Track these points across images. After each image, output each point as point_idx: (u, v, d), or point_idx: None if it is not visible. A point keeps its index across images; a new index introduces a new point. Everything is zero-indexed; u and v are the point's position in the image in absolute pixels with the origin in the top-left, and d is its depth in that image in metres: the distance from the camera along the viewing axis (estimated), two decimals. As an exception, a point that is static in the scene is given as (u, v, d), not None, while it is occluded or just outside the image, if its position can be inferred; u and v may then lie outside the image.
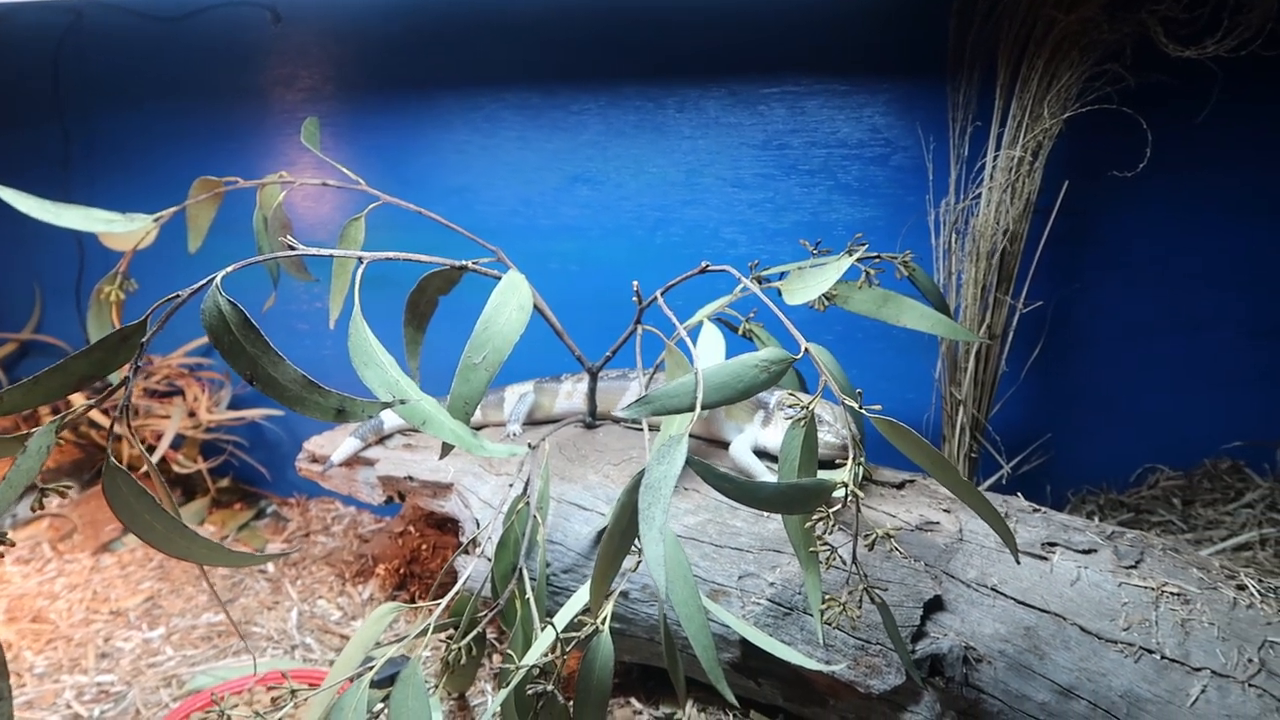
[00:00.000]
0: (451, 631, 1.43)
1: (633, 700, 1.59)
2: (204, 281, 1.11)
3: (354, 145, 2.26)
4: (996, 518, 1.22)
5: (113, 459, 1.04)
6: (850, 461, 1.29)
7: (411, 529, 2.14)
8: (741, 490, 1.18)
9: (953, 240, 1.77)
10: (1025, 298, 1.78)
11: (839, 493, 1.22)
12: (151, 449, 2.26)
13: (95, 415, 2.34)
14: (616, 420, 1.79)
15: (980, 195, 1.73)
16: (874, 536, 1.24)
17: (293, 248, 1.27)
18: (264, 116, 2.32)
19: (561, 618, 1.30)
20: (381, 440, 1.89)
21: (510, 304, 1.41)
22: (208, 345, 2.49)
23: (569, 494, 1.59)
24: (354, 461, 1.88)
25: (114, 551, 2.23)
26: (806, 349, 1.33)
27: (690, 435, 1.71)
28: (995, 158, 1.72)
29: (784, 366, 1.28)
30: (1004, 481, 1.82)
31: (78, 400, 2.35)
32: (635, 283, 1.54)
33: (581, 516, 1.56)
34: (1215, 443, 1.96)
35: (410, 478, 1.75)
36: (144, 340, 1.10)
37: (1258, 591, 1.27)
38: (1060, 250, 1.88)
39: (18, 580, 2.08)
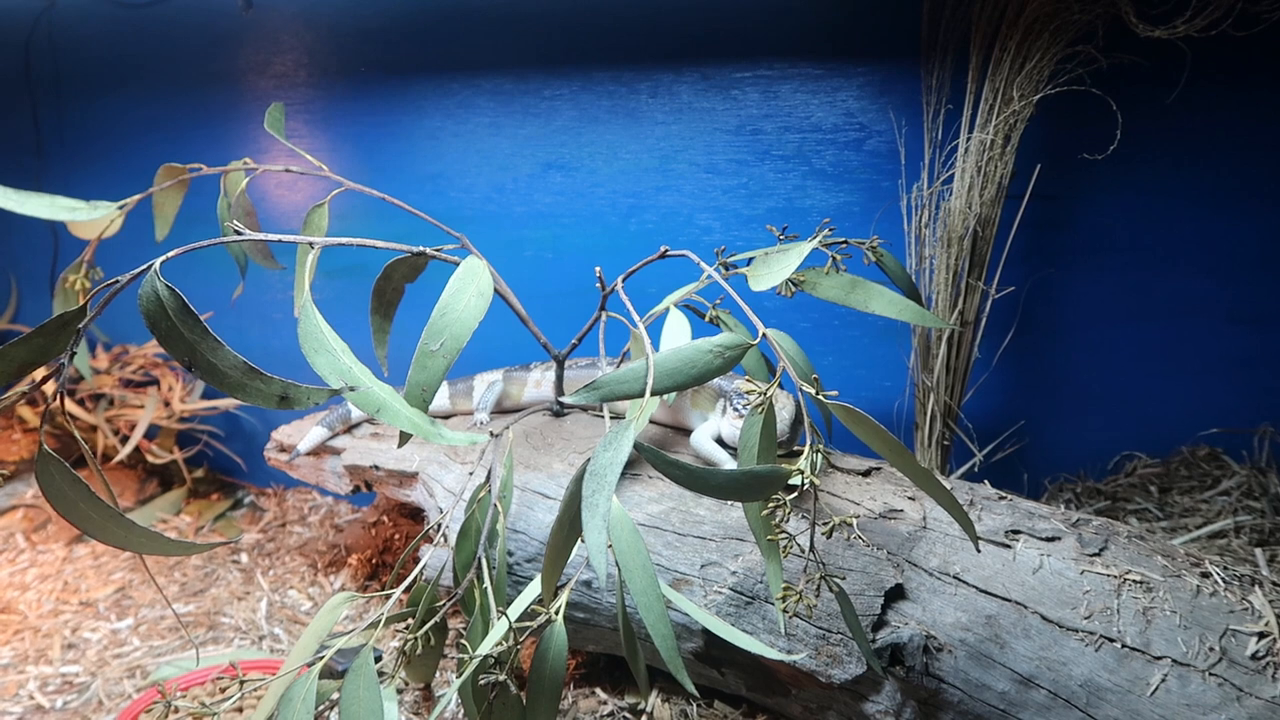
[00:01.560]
0: (410, 621, 1.41)
1: (598, 690, 1.57)
2: (144, 267, 1.09)
3: (327, 132, 2.24)
4: (955, 505, 1.20)
5: (45, 447, 1.02)
6: (808, 448, 1.27)
7: (385, 519, 2.13)
8: (693, 477, 1.16)
9: (924, 225, 1.75)
10: (998, 284, 1.76)
11: (796, 480, 1.20)
12: (125, 438, 2.25)
13: (72, 407, 2.33)
14: (584, 409, 1.77)
15: (952, 180, 1.71)
16: (832, 524, 1.22)
17: (240, 233, 1.25)
18: (238, 103, 2.30)
19: (517, 607, 1.29)
20: (350, 429, 1.87)
21: (469, 290, 1.39)
22: (184, 335, 2.47)
23: (533, 483, 1.57)
24: (322, 451, 1.86)
25: (87, 542, 2.22)
26: (764, 334, 1.31)
27: (657, 423, 1.71)
28: (967, 141, 1.69)
29: (740, 351, 1.26)
30: (976, 469, 1.80)
31: (50, 387, 2.34)
32: (598, 269, 1.51)
33: (545, 505, 1.54)
34: (1193, 430, 1.93)
35: (376, 467, 1.73)
36: (81, 325, 1.08)
37: (1222, 579, 1.25)
38: (1035, 236, 1.85)
39: (-11, 571, 2.07)
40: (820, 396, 1.25)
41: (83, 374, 2.03)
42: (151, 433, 2.36)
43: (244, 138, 2.31)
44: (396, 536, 2.09)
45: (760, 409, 1.30)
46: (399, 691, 1.63)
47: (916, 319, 1.53)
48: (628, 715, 1.51)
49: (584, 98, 2.05)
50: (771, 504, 1.24)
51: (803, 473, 1.21)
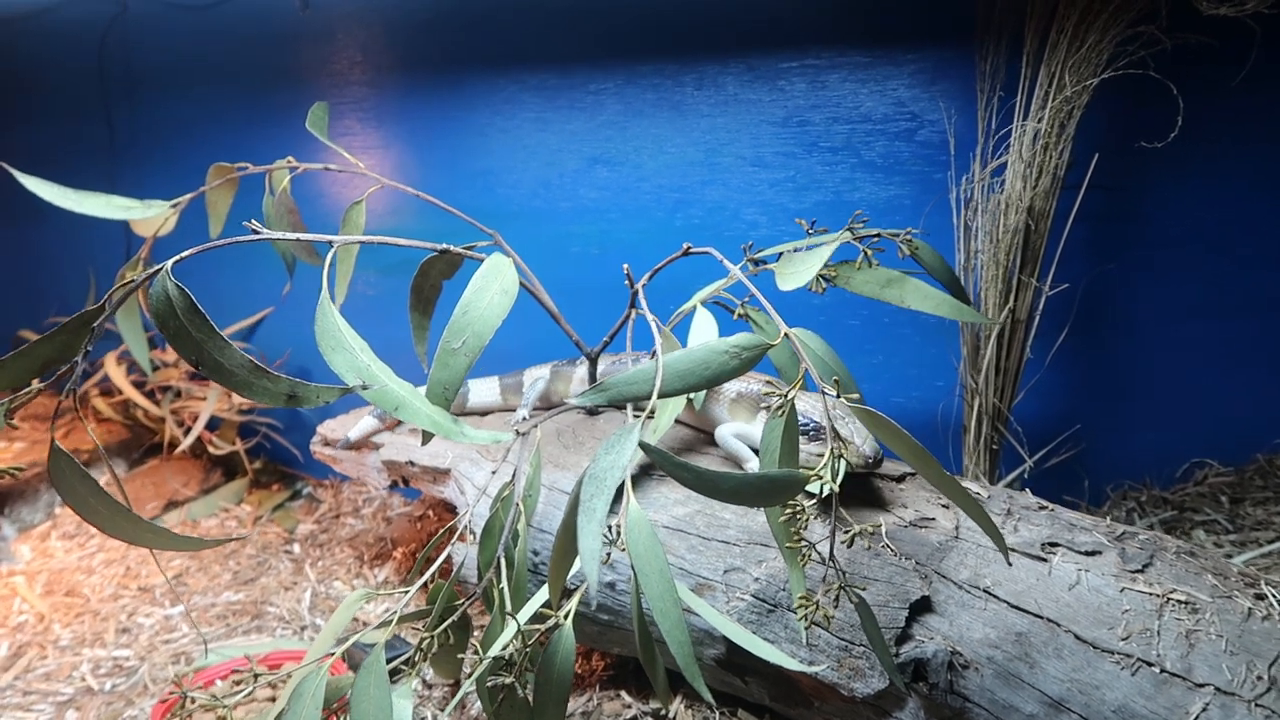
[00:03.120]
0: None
1: (623, 694, 1.55)
2: (158, 267, 1.11)
3: (379, 130, 2.27)
4: (982, 514, 1.14)
5: (56, 443, 1.05)
6: (828, 454, 1.22)
7: (430, 513, 2.15)
8: (702, 480, 1.13)
9: (970, 218, 1.67)
10: (1055, 279, 1.66)
11: (815, 486, 1.15)
12: (188, 429, 2.33)
13: (140, 400, 2.42)
14: (619, 408, 1.75)
15: (1002, 170, 1.63)
16: (854, 532, 1.18)
17: (257, 231, 1.26)
18: (297, 101, 2.34)
19: (530, 608, 1.28)
20: (400, 421, 1.89)
21: (492, 288, 1.38)
22: (247, 329, 2.55)
23: (561, 482, 1.56)
24: (365, 445, 1.88)
25: (153, 529, 2.29)
26: (786, 333, 1.27)
27: (687, 425, 1.68)
28: (1021, 129, 1.61)
29: (758, 352, 1.22)
30: (1026, 476, 1.71)
31: (120, 372, 2.43)
32: (626, 266, 1.49)
33: (571, 505, 1.52)
34: (1271, 436, 1.79)
35: (411, 463, 1.75)
36: (97, 324, 1.10)
37: (1279, 601, 1.16)
38: (1097, 228, 1.75)
39: (60, 555, 2.16)
40: (842, 399, 1.20)
41: (143, 369, 2.10)
42: (216, 424, 2.44)
43: (304, 135, 2.35)
44: (440, 530, 2.10)
45: (781, 411, 1.26)
46: (429, 686, 1.64)
47: (954, 314, 1.46)
48: (649, 719, 1.49)
49: (629, 91, 2.02)
50: (789, 509, 1.20)
51: (821, 478, 1.16)
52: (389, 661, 1.27)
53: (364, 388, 1.20)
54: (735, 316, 1.59)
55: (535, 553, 1.53)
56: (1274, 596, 1.17)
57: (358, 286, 2.41)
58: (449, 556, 1.47)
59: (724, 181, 2.00)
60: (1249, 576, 1.21)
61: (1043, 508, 1.35)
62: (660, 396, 1.16)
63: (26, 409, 2.52)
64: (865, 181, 1.90)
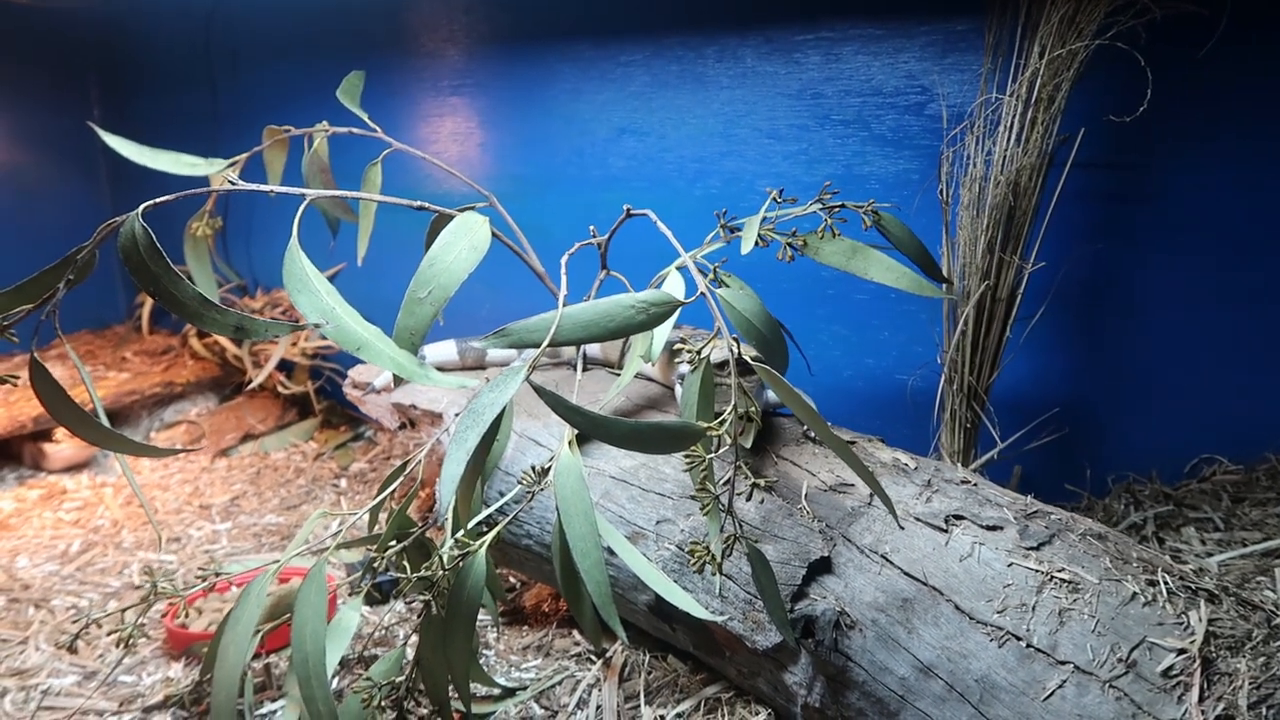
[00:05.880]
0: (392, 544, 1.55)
1: (575, 633, 1.64)
2: (129, 214, 1.27)
3: (436, 98, 2.42)
4: (866, 473, 1.16)
5: (36, 357, 1.22)
6: (730, 409, 1.26)
7: (458, 459, 2.29)
8: (594, 424, 1.21)
9: (950, 192, 1.64)
10: (1043, 257, 1.62)
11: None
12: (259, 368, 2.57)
13: (226, 343, 2.68)
14: (604, 365, 1.83)
15: (984, 142, 1.59)
16: (753, 484, 1.23)
17: (234, 184, 1.41)
18: (379, 69, 2.51)
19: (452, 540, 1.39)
20: (410, 371, 2.03)
21: (460, 244, 1.48)
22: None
23: (531, 430, 1.66)
24: (387, 389, 2.04)
25: (229, 456, 2.55)
26: (703, 293, 1.31)
27: (655, 381, 1.74)
28: (1004, 102, 1.57)
29: (666, 309, 1.27)
30: (995, 457, 1.67)
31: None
32: (592, 228, 1.57)
33: (536, 451, 1.62)
34: (1286, 434, 1.68)
35: (414, 406, 1.89)
36: (80, 257, 1.28)
37: (1169, 589, 1.12)
38: (1103, 208, 1.68)
39: (146, 472, 2.44)
40: (744, 356, 1.25)
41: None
42: (292, 368, 2.67)
43: (383, 102, 2.52)
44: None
45: (697, 367, 1.31)
46: (412, 611, 1.79)
47: (912, 288, 1.46)
48: (593, 657, 1.57)
49: (656, 63, 2.08)
50: (690, 460, 1.25)
51: (712, 430, 1.21)
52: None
53: (318, 326, 1.33)
54: (708, 279, 1.63)
55: (501, 494, 1.64)
56: (1169, 584, 1.13)
57: (412, 245, 2.57)
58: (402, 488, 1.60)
59: (740, 153, 2.03)
60: (1149, 563, 1.17)
61: (965, 482, 1.34)
62: (557, 344, 1.23)
63: (137, 346, 2.81)
64: (875, 155, 1.89)
